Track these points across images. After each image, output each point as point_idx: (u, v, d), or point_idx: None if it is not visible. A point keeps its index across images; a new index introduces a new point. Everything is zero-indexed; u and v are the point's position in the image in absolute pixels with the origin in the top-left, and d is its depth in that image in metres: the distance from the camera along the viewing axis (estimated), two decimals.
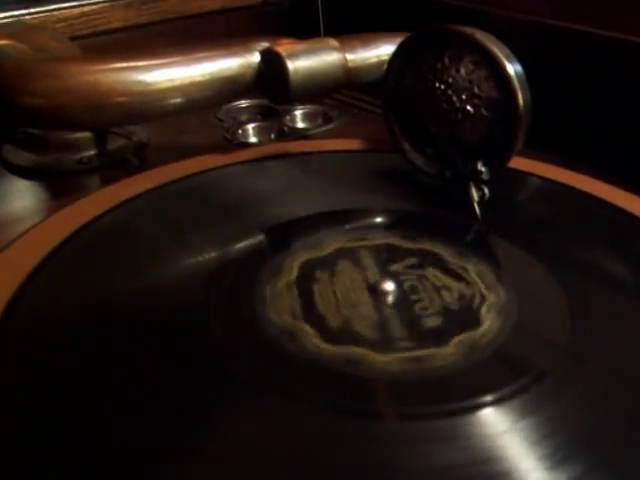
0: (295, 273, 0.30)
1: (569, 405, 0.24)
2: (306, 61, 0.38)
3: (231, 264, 0.31)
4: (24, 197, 0.40)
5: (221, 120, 0.49)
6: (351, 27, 0.44)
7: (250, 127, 0.48)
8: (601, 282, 0.31)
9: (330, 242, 0.33)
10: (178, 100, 0.37)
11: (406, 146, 0.38)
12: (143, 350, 0.26)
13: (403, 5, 0.52)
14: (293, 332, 0.27)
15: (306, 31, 0.44)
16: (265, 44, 0.38)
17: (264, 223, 0.34)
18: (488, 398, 0.24)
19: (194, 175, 0.38)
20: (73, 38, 0.49)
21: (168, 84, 0.36)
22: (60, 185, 0.41)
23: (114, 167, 0.42)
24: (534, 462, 0.22)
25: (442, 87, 0.35)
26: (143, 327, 0.27)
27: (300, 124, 0.50)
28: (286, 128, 0.48)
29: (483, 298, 0.29)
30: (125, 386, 0.24)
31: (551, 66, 0.46)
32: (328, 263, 0.31)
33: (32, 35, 0.40)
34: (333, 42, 0.39)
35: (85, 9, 0.50)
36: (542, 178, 0.39)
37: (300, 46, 0.38)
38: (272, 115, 0.50)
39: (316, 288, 0.29)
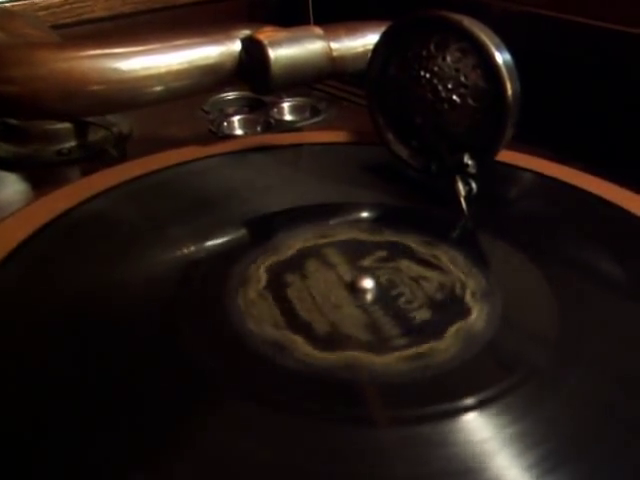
0: (266, 277, 0.29)
1: (560, 407, 0.23)
2: (288, 49, 0.36)
3: (202, 263, 0.30)
4: (3, 188, 0.40)
5: (207, 112, 0.48)
6: (342, 18, 0.42)
7: (236, 119, 0.47)
8: (593, 278, 0.30)
9: (297, 240, 0.31)
10: (155, 89, 0.35)
11: (390, 137, 0.36)
12: (111, 347, 0.25)
13: None
14: (279, 342, 0.25)
15: (296, 22, 0.43)
16: (247, 32, 0.37)
17: (239, 218, 0.33)
18: (481, 398, 0.23)
19: (172, 167, 0.37)
20: (56, 27, 0.48)
21: (145, 72, 0.35)
22: (39, 176, 0.40)
23: (94, 159, 0.42)
24: (522, 471, 0.21)
25: (427, 76, 0.34)
26: (113, 323, 0.26)
27: (287, 117, 0.49)
28: (272, 120, 0.47)
29: (467, 292, 0.28)
30: (93, 383, 0.23)
31: (545, 57, 0.44)
32: (298, 264, 0.29)
33: (8, 21, 0.39)
34: (317, 30, 0.38)
35: None
36: (533, 172, 0.38)
37: (282, 34, 0.37)
38: (259, 107, 0.49)
39: (291, 292, 0.28)
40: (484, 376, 0.24)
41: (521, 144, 0.37)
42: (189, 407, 0.23)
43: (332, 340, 0.25)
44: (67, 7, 0.49)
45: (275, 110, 0.48)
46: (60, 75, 0.34)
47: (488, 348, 0.25)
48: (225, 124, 0.46)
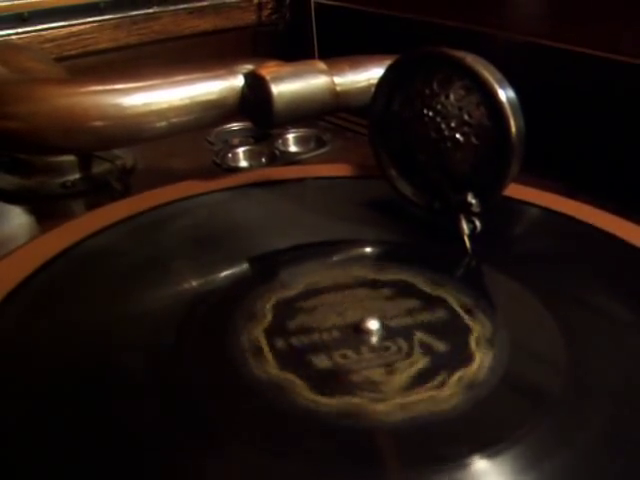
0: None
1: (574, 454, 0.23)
2: (291, 85, 0.36)
3: (206, 300, 0.29)
4: (7, 220, 0.40)
5: (211, 143, 0.48)
6: (346, 49, 0.42)
7: (240, 151, 0.47)
8: (601, 317, 0.30)
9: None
10: (157, 125, 0.35)
11: (393, 174, 0.36)
12: (111, 386, 0.25)
13: (400, 27, 0.51)
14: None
15: (301, 53, 0.43)
16: (249, 67, 0.37)
17: (244, 255, 0.33)
18: (486, 448, 0.22)
19: (173, 202, 0.36)
20: (61, 59, 0.48)
21: (146, 108, 0.35)
22: (44, 209, 0.41)
23: (98, 191, 0.42)
24: None
25: (430, 114, 0.33)
26: (114, 362, 0.26)
27: (292, 148, 0.48)
28: (277, 152, 0.47)
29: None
30: (93, 424, 0.23)
31: (550, 88, 0.44)
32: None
33: (12, 55, 0.39)
34: (321, 65, 0.38)
35: (74, 29, 0.50)
36: (539, 207, 0.37)
37: (286, 69, 0.36)
38: (264, 139, 0.49)
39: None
40: (489, 425, 0.24)
41: (526, 176, 0.36)
42: (189, 449, 0.22)
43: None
44: (73, 39, 0.49)
45: (280, 141, 0.48)
46: (62, 111, 0.34)
47: (493, 395, 0.25)
48: (230, 155, 0.46)
